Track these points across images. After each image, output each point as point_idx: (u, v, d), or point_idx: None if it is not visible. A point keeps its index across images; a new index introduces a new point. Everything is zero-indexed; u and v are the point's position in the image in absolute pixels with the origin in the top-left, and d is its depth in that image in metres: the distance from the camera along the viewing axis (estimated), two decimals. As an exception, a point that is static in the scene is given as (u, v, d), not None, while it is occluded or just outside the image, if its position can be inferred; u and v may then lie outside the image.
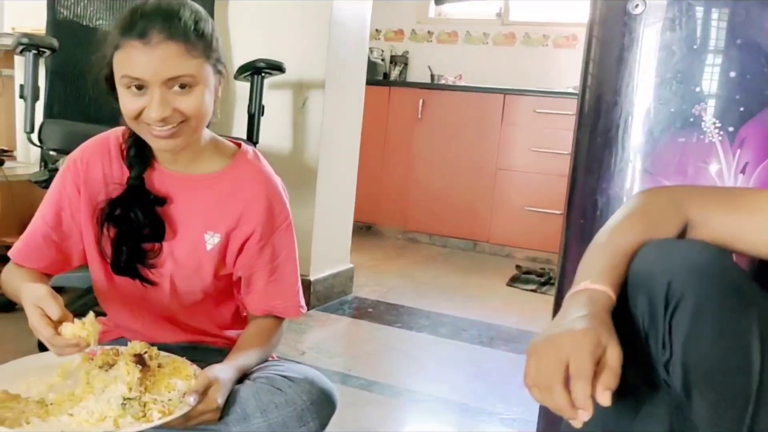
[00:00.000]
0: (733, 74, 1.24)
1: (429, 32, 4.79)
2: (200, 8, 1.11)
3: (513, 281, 3.40)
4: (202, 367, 1.05)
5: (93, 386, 1.01)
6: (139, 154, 1.16)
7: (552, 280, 3.34)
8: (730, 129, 1.24)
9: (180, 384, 1.03)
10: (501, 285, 3.34)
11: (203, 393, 1.00)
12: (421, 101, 4.13)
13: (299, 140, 2.56)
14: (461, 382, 2.10)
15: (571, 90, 3.75)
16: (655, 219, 0.92)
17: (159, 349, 1.08)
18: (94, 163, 1.17)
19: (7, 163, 2.75)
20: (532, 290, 3.27)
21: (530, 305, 2.99)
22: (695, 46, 1.26)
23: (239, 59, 2.36)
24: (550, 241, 3.64)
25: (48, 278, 1.20)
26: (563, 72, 4.25)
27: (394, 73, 4.74)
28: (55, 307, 0.98)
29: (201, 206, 1.17)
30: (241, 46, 2.56)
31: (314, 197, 2.58)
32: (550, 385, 0.75)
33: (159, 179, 1.17)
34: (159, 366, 1.06)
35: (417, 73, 4.73)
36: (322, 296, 2.68)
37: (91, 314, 1.01)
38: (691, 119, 1.27)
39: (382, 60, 4.76)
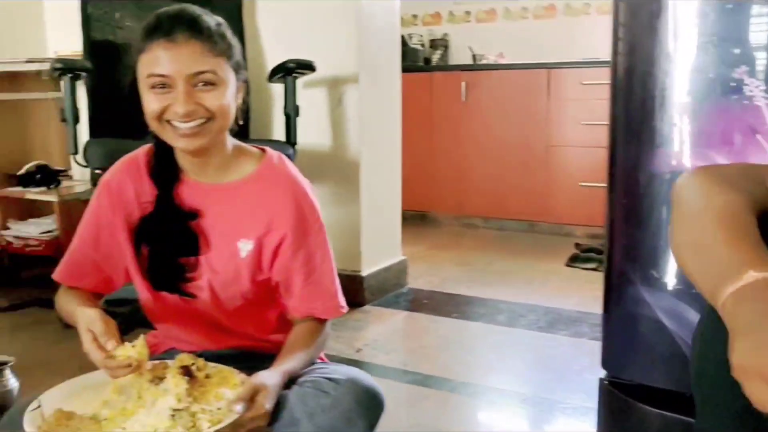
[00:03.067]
0: (774, 31, 1.17)
1: (467, 12, 4.71)
2: (219, 18, 1.14)
3: (572, 261, 3.31)
4: (251, 375, 1.06)
5: (144, 400, 1.03)
6: (166, 168, 1.18)
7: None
8: (776, 90, 1.17)
9: (228, 393, 1.04)
10: (560, 266, 3.26)
11: (251, 400, 1.00)
12: (464, 84, 4.06)
13: (339, 137, 2.56)
14: (520, 372, 2.06)
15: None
16: (749, 183, 0.82)
17: (211, 357, 1.10)
18: (125, 183, 1.20)
19: (64, 183, 2.86)
20: (592, 269, 3.15)
21: (591, 285, 2.88)
22: (730, 6, 1.19)
23: (272, 62, 2.37)
24: (608, 215, 3.53)
25: (99, 298, 1.23)
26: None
27: (435, 58, 4.68)
28: (103, 332, 1.01)
29: (232, 215, 1.18)
30: (273, 48, 2.58)
31: (359, 192, 2.58)
32: None
33: (188, 192, 1.18)
34: (207, 376, 1.07)
35: (459, 56, 4.66)
36: (376, 291, 2.68)
37: (141, 336, 1.05)
38: (733, 84, 1.20)
39: (422, 45, 4.71)
